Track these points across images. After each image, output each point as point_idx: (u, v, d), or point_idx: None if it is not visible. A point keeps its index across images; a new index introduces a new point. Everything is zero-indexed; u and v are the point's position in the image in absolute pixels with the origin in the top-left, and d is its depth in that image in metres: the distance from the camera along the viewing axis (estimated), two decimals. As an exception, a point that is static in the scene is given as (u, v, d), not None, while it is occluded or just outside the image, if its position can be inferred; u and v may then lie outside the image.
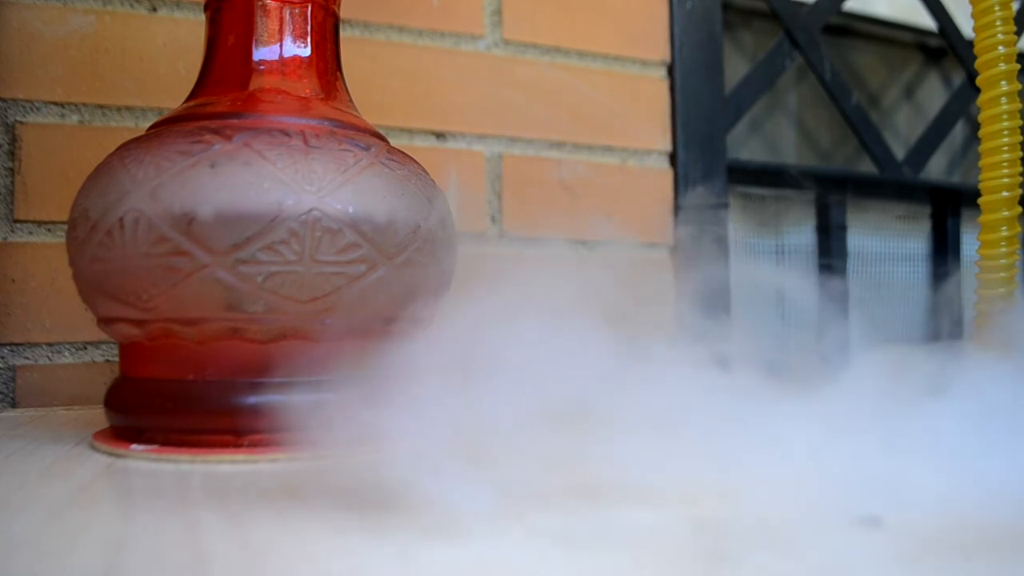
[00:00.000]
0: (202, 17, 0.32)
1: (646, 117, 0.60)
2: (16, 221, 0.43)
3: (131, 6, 0.46)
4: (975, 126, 0.37)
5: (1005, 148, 0.35)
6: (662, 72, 0.61)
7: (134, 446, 0.27)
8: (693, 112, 0.61)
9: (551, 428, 0.22)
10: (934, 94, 0.96)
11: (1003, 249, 0.36)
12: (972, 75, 0.67)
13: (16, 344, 0.42)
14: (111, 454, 0.26)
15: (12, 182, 0.43)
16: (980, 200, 0.37)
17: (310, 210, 0.25)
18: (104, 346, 0.44)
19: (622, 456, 0.21)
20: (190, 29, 0.47)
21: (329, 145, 0.27)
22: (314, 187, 0.26)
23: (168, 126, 0.28)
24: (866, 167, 0.75)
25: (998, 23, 0.35)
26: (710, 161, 0.61)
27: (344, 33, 0.50)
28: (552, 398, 0.23)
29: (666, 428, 0.22)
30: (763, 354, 0.27)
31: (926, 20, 0.79)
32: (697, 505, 0.19)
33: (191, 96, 0.31)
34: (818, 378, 0.25)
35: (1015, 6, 0.36)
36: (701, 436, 0.22)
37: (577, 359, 0.25)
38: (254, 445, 0.26)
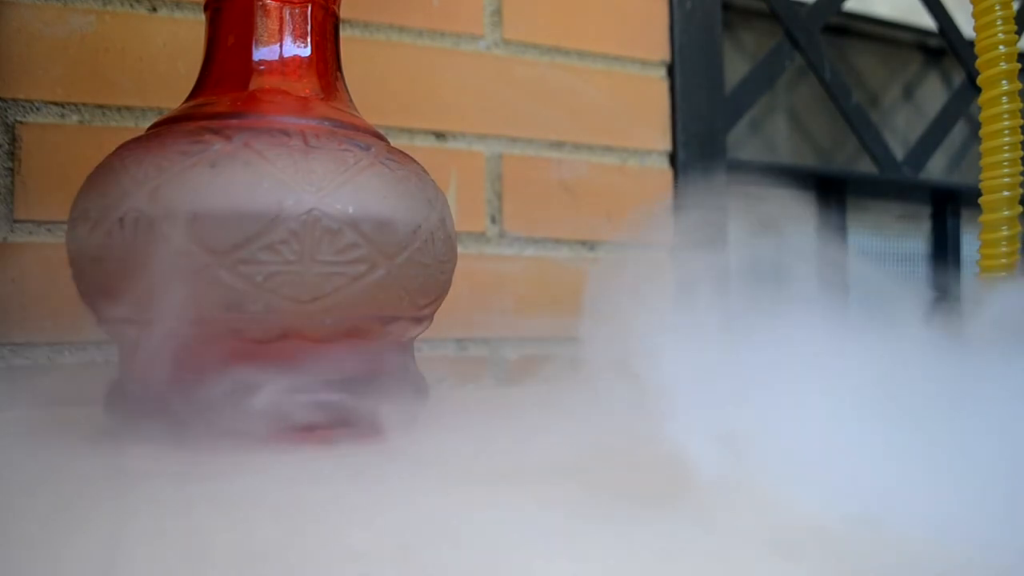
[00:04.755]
0: (202, 17, 0.31)
1: (646, 117, 0.60)
2: (16, 221, 0.43)
3: (131, 6, 0.46)
4: (975, 126, 0.37)
5: (1006, 147, 0.35)
6: (662, 72, 0.61)
7: (134, 447, 0.27)
8: (693, 112, 0.61)
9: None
10: (934, 94, 0.96)
11: (1003, 249, 0.36)
12: (972, 75, 0.67)
13: (16, 344, 0.42)
14: (110, 455, 0.26)
15: (12, 182, 0.43)
16: (981, 200, 0.37)
17: (310, 210, 0.25)
18: (104, 346, 0.44)
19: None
20: (190, 29, 0.47)
21: (329, 145, 0.27)
22: (314, 187, 0.26)
23: (168, 126, 0.28)
24: (866, 167, 0.75)
25: (999, 22, 0.35)
26: (710, 161, 0.61)
27: (344, 33, 0.50)
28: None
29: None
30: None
31: (926, 20, 0.79)
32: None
33: (191, 96, 0.30)
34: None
35: (1015, 6, 0.36)
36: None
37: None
38: (254, 445, 0.26)
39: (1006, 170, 0.36)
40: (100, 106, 0.45)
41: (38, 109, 0.43)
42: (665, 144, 0.61)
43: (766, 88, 0.67)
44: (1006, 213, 0.36)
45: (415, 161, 0.31)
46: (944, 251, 0.82)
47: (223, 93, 0.29)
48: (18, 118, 0.43)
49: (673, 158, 0.61)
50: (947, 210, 0.82)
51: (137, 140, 0.28)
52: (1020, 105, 0.35)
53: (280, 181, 0.25)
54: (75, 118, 0.44)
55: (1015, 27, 0.36)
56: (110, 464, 0.25)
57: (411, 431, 0.29)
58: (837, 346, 0.23)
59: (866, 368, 0.22)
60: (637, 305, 0.26)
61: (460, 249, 0.52)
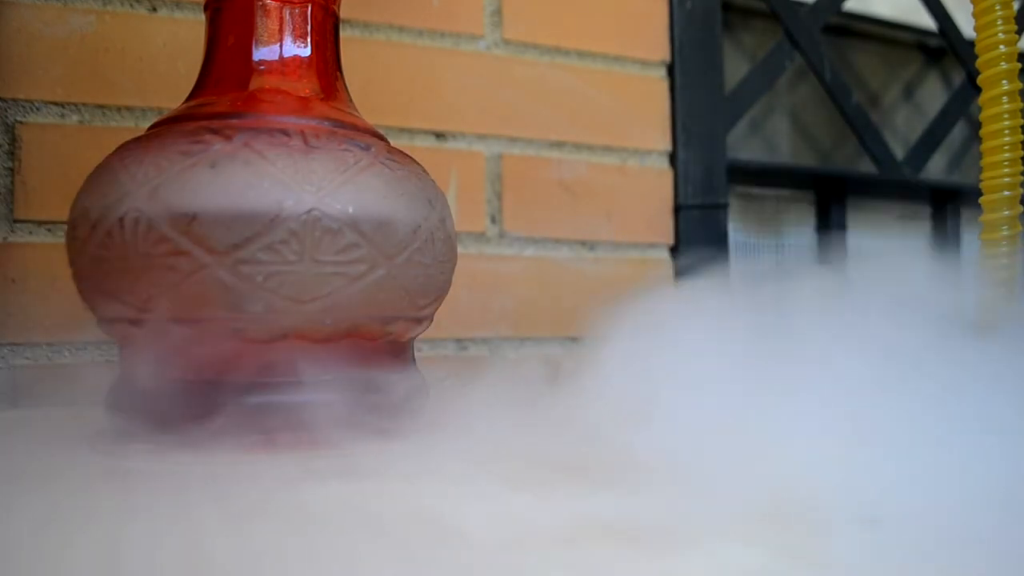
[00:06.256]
0: (202, 17, 0.31)
1: (646, 117, 0.60)
2: (16, 221, 0.43)
3: (131, 6, 0.46)
4: (975, 126, 0.37)
5: (1006, 147, 0.35)
6: (662, 72, 0.61)
7: (134, 447, 0.27)
8: (693, 112, 0.61)
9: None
10: (934, 94, 0.96)
11: (1004, 249, 0.36)
12: (972, 75, 0.67)
13: (16, 344, 0.42)
14: (110, 455, 0.26)
15: (12, 182, 0.43)
16: (981, 199, 0.37)
17: (310, 210, 0.25)
18: (104, 346, 0.44)
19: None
20: (190, 29, 0.47)
21: (329, 145, 0.27)
22: (314, 187, 0.26)
23: (168, 126, 0.28)
24: (866, 167, 0.75)
25: (999, 22, 0.35)
26: (710, 161, 0.61)
27: (344, 33, 0.50)
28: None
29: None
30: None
31: (926, 20, 0.79)
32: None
33: (191, 96, 0.30)
34: None
35: (1016, 5, 0.36)
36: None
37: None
38: (254, 445, 0.26)
39: (1006, 170, 0.35)
40: (100, 106, 0.45)
41: (38, 109, 0.43)
42: (665, 144, 0.61)
43: (766, 88, 0.67)
44: (1006, 213, 0.36)
45: (415, 161, 0.31)
46: (944, 251, 0.82)
47: (223, 93, 0.29)
48: (18, 118, 0.43)
49: (673, 158, 0.61)
50: (947, 210, 0.82)
51: (137, 140, 0.28)
52: (1020, 105, 0.35)
53: (280, 181, 0.25)
54: (75, 118, 0.44)
55: (1015, 27, 0.36)
56: (110, 464, 0.25)
57: (411, 431, 0.29)
58: (837, 344, 0.23)
59: (866, 365, 0.22)
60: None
61: (460, 249, 0.52)
